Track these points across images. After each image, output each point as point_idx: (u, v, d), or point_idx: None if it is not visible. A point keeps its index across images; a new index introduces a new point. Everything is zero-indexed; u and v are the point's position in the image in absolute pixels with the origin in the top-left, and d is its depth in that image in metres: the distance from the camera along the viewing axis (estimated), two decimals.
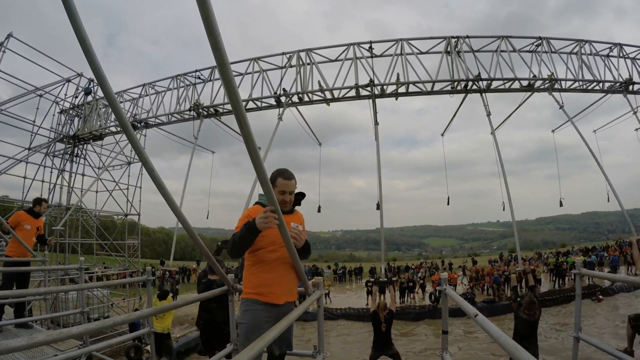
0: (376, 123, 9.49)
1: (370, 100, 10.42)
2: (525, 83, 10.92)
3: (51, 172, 15.08)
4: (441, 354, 3.72)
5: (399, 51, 10.75)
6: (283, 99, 11.26)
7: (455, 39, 10.70)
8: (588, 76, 11.53)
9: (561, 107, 10.91)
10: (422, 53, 10.82)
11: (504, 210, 14.52)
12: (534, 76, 10.86)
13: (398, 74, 10.39)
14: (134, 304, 17.14)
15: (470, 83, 10.53)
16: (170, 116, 13.68)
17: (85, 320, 7.70)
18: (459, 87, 10.64)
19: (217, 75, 12.82)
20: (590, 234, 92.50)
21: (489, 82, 10.64)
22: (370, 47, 10.65)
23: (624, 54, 12.10)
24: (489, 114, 10.25)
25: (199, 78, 13.41)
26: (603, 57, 11.94)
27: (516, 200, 14.41)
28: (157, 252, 59.96)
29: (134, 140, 2.31)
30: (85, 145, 16.09)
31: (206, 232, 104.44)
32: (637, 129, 16.15)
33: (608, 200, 15.42)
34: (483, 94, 10.50)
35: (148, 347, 12.38)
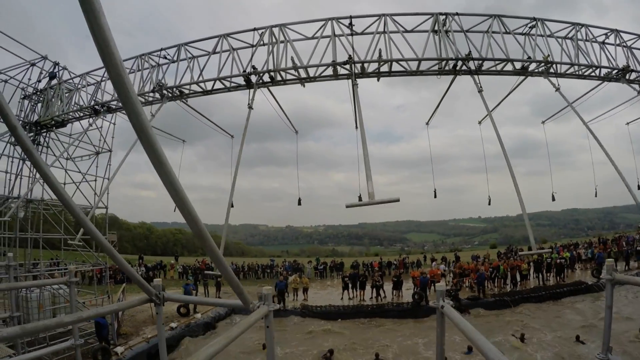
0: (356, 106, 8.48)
1: (350, 82, 9.41)
2: (518, 65, 10.05)
3: (12, 162, 14.14)
4: None
5: (381, 28, 9.76)
6: (253, 78, 10.14)
7: (444, 16, 9.74)
8: (584, 62, 10.80)
9: (557, 89, 10.10)
10: (407, 31, 9.82)
11: (489, 204, 14.16)
12: (529, 57, 10.02)
13: (380, 49, 9.40)
14: (102, 302, 16.23)
15: (459, 63, 9.59)
16: None
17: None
18: (447, 68, 9.71)
19: (183, 54, 11.70)
20: (570, 230, 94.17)
21: (480, 62, 9.74)
22: (351, 23, 9.64)
23: (621, 40, 11.40)
24: (480, 90, 9.27)
25: (165, 58, 12.23)
26: (600, 44, 11.23)
27: (497, 197, 14.23)
28: (137, 247, 58.48)
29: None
30: (48, 133, 14.89)
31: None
32: (628, 123, 15.69)
33: (596, 195, 15.20)
34: (475, 76, 9.58)
35: (117, 349, 11.48)
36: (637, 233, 25.15)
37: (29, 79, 14.35)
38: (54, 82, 14.23)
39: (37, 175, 13.59)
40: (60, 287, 13.68)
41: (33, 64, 14.12)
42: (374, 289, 18.61)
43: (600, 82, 11.24)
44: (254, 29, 10.50)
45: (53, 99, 14.13)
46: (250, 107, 9.94)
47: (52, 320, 3.04)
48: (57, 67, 14.45)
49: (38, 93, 14.59)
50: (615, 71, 11.07)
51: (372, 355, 11.91)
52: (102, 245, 3.52)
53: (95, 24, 1.28)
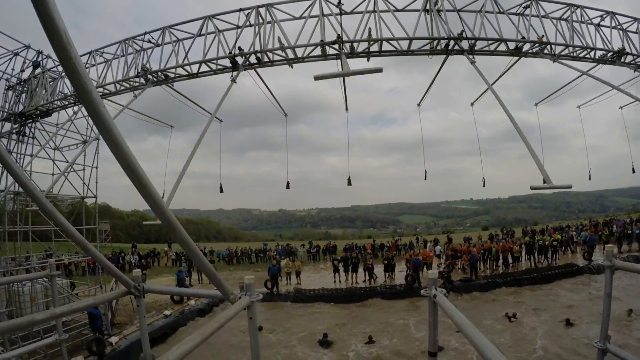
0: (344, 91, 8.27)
1: (338, 62, 9.14)
2: (512, 46, 9.84)
3: None
4: None
5: (371, 7, 9.46)
6: (239, 59, 9.84)
7: None
8: (579, 44, 10.62)
9: (555, 59, 9.94)
10: (398, 10, 9.52)
11: (484, 186, 14.19)
12: (523, 38, 9.80)
13: (370, 29, 9.12)
14: (95, 292, 16.22)
15: (452, 42, 9.33)
16: (117, 84, 12.09)
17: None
18: (439, 48, 9.47)
19: (168, 38, 11.32)
20: (562, 213, 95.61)
21: (473, 42, 9.48)
22: (339, 2, 9.29)
23: (617, 23, 11.20)
24: (473, 62, 8.93)
25: (149, 42, 11.83)
26: (595, 26, 11.02)
27: (489, 179, 14.29)
28: (131, 235, 58.25)
29: None
30: (34, 123, 14.49)
31: (181, 213, 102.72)
32: (622, 107, 15.58)
33: (589, 179, 15.25)
34: (467, 56, 9.32)
35: (111, 339, 11.45)
36: (627, 216, 25.35)
37: (13, 69, 14.01)
38: (38, 71, 13.85)
39: (27, 168, 13.28)
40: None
41: (16, 54, 13.80)
42: (367, 272, 18.66)
43: (595, 64, 11.05)
44: (240, 10, 10.14)
45: (37, 89, 13.75)
46: (233, 81, 9.62)
47: (25, 318, 2.95)
48: (40, 55, 14.11)
49: (22, 83, 14.23)
50: (610, 54, 10.88)
51: (366, 337, 11.98)
52: (74, 237, 3.34)
53: None
